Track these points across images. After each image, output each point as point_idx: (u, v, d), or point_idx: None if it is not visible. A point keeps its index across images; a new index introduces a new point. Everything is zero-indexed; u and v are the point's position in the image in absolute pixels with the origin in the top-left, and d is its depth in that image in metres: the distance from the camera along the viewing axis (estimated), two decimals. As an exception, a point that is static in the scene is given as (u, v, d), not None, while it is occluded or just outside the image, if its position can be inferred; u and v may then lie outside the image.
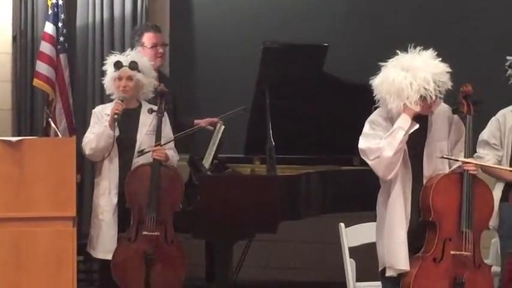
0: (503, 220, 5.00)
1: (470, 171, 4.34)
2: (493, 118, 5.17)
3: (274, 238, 5.67)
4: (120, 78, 5.30)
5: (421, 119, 4.36)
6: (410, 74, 4.21)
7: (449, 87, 4.28)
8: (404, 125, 4.23)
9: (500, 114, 5.17)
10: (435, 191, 4.32)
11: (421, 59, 4.28)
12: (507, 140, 5.09)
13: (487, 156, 4.96)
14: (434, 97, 4.21)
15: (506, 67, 5.19)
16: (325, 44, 5.72)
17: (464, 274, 4.33)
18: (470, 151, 4.43)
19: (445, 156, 4.37)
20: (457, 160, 4.37)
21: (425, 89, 4.18)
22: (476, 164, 4.40)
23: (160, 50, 5.88)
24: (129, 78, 5.30)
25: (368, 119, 4.43)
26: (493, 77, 5.22)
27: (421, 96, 4.19)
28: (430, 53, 4.31)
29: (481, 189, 4.42)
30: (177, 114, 5.83)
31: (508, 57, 5.18)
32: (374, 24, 6.81)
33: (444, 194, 4.34)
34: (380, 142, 4.27)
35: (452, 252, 4.32)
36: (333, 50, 5.74)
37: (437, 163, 4.41)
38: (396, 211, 4.35)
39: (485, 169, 4.75)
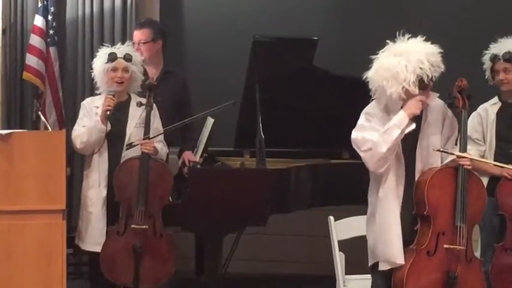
0: (485, 215, 5.03)
1: (465, 166, 4.35)
2: (474, 113, 5.18)
3: (264, 231, 5.69)
4: (115, 70, 5.30)
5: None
6: (404, 58, 4.23)
7: (442, 71, 4.28)
8: (401, 123, 4.24)
9: (481, 108, 5.18)
10: (430, 185, 4.33)
11: (412, 42, 4.32)
12: (490, 134, 5.11)
13: (469, 152, 4.96)
14: (430, 76, 4.22)
15: (483, 61, 5.22)
16: (315, 38, 5.72)
17: (457, 268, 4.33)
18: (465, 146, 4.42)
19: (441, 149, 4.38)
20: (453, 154, 4.38)
21: (421, 68, 4.20)
22: (471, 159, 4.40)
23: (140, 47, 5.85)
24: (125, 69, 5.31)
25: (364, 111, 4.43)
26: (473, 72, 5.22)
27: (417, 76, 4.21)
28: (419, 39, 4.35)
29: (475, 183, 4.43)
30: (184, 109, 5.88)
31: (485, 52, 5.21)
32: (364, 17, 6.82)
33: (439, 188, 4.34)
34: (374, 135, 4.27)
35: (445, 246, 4.33)
36: (322, 43, 5.74)
37: (428, 157, 4.41)
38: (390, 204, 4.36)
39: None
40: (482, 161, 4.90)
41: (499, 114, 5.11)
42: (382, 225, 4.37)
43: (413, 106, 4.26)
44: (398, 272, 4.35)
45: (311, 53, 5.74)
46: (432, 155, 4.41)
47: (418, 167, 4.41)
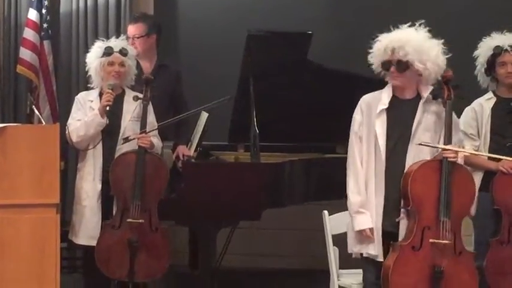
0: (479, 210, 5.03)
1: (449, 159, 4.33)
2: (468, 108, 5.16)
3: (258, 226, 5.69)
4: (111, 64, 5.29)
5: (410, 104, 4.44)
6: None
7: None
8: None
9: (476, 103, 5.16)
10: (413, 178, 4.32)
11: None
12: (485, 129, 5.09)
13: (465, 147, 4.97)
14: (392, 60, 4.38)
15: (475, 56, 5.21)
16: (309, 32, 5.72)
17: (443, 263, 4.32)
18: (450, 137, 4.39)
19: (423, 143, 4.35)
20: (436, 147, 4.36)
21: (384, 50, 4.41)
22: (456, 151, 4.37)
23: (134, 41, 5.84)
24: (122, 64, 5.31)
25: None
26: (467, 67, 5.22)
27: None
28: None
29: (462, 176, 4.40)
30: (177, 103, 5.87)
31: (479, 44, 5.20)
32: (358, 11, 6.82)
33: (423, 182, 4.33)
34: None
35: (431, 241, 4.32)
36: (317, 37, 5.73)
37: (419, 152, 4.41)
38: (370, 196, 4.45)
39: (465, 160, 4.74)
40: (472, 153, 4.87)
41: (494, 109, 5.08)
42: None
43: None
44: (385, 266, 4.36)
45: (305, 47, 5.74)
46: (423, 150, 4.40)
47: (409, 161, 4.41)
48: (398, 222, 4.42)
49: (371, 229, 4.42)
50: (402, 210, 4.40)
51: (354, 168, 4.51)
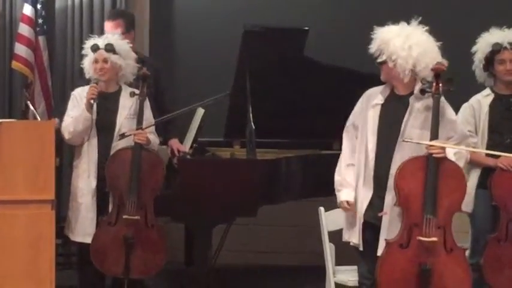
0: (477, 207, 5.03)
1: (434, 155, 4.27)
2: (466, 104, 5.15)
3: (254, 222, 5.69)
4: (96, 61, 5.28)
5: (402, 100, 4.42)
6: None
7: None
8: None
9: (474, 100, 5.15)
10: (400, 175, 4.29)
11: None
12: (482, 125, 5.08)
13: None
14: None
15: (474, 50, 5.19)
16: (306, 28, 5.71)
17: (430, 260, 4.26)
18: (437, 133, 4.32)
19: (406, 139, 4.32)
20: (420, 143, 4.30)
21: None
22: (442, 147, 4.29)
23: None
24: (105, 60, 5.27)
25: None
26: (464, 63, 5.22)
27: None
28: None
29: (449, 171, 4.31)
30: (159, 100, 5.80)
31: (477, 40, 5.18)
32: (355, 8, 6.81)
33: (409, 179, 4.29)
34: None
35: (418, 238, 4.27)
36: (313, 33, 5.72)
37: (409, 149, 4.36)
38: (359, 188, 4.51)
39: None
40: (457, 148, 4.79)
41: (492, 105, 5.07)
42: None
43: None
44: (376, 265, 4.36)
45: (302, 43, 5.73)
46: (412, 147, 4.35)
47: (396, 157, 4.38)
48: (381, 217, 4.41)
49: (348, 202, 4.52)
50: (385, 206, 4.39)
51: (341, 155, 4.63)
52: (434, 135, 4.31)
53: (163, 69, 6.04)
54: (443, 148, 4.29)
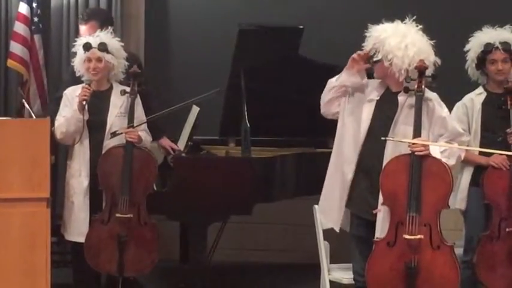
0: (470, 205, 5.04)
1: (417, 153, 4.26)
2: (459, 103, 5.15)
3: (249, 220, 5.69)
4: (89, 60, 5.26)
5: (396, 98, 4.43)
6: None
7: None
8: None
9: (467, 99, 5.15)
10: (384, 174, 4.29)
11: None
12: (475, 123, 5.08)
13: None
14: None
15: (467, 49, 5.20)
16: (301, 26, 5.72)
17: (418, 258, 4.25)
18: (419, 131, 4.31)
19: (387, 138, 4.32)
20: (402, 141, 4.29)
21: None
22: (424, 145, 4.27)
23: None
24: (99, 59, 5.26)
25: None
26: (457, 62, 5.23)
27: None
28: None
29: (434, 168, 4.29)
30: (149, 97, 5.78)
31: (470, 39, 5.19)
32: (350, 6, 6.81)
33: (393, 178, 4.29)
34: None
35: (404, 236, 4.25)
36: (308, 32, 5.73)
37: (398, 146, 4.35)
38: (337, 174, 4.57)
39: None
40: (441, 145, 4.74)
41: (484, 104, 5.08)
42: (329, 191, 4.62)
43: None
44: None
45: (297, 42, 5.74)
46: (401, 144, 4.34)
47: (387, 154, 4.38)
48: (376, 213, 4.41)
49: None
50: (379, 203, 4.38)
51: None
52: (417, 133, 4.31)
53: (153, 92, 5.93)
54: (426, 146, 4.28)
